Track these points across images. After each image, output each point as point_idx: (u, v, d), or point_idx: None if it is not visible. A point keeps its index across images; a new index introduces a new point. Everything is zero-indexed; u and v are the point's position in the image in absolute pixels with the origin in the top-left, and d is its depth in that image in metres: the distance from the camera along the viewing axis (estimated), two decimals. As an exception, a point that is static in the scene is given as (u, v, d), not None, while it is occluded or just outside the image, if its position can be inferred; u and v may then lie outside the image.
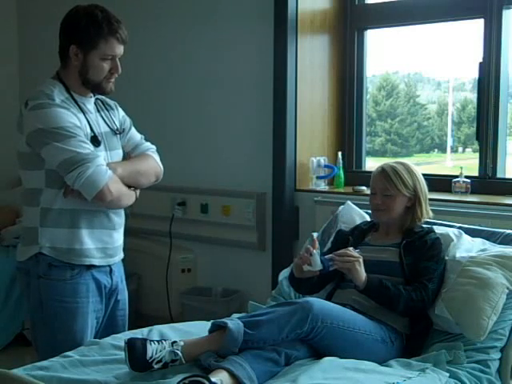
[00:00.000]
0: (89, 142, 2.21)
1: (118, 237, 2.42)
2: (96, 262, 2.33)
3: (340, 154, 3.72)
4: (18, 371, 1.94)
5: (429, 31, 3.69)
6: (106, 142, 2.35)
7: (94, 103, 2.38)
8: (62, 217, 2.26)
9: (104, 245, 2.34)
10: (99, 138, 2.29)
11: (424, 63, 3.88)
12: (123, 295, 2.49)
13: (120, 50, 2.28)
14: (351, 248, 2.38)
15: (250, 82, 3.84)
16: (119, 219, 2.40)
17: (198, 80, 4.05)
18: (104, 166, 2.19)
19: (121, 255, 2.45)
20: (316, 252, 2.34)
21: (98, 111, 2.39)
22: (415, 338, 2.38)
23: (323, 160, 3.73)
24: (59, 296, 2.27)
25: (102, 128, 2.35)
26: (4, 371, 1.85)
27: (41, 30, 4.79)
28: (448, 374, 2.10)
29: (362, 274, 2.31)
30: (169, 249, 3.98)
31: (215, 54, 3.96)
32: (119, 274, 2.46)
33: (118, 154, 2.43)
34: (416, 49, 3.78)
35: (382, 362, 2.19)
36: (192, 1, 4.07)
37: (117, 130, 2.41)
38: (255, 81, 3.80)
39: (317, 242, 2.39)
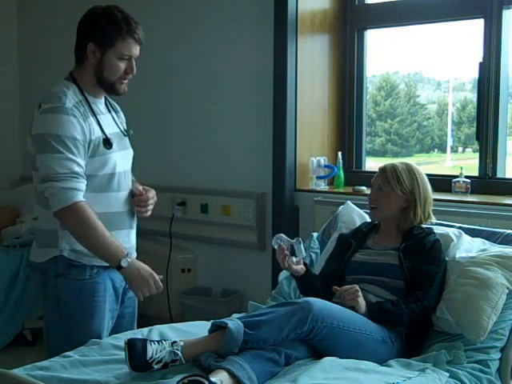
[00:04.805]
0: (78, 157, 2.18)
1: (133, 236, 2.44)
2: None
3: (340, 154, 3.72)
4: (18, 371, 1.93)
5: (429, 31, 3.69)
6: (119, 143, 2.37)
7: (105, 104, 2.40)
8: None
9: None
10: (111, 140, 2.31)
11: (424, 63, 3.88)
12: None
13: (136, 50, 2.30)
14: (348, 286, 2.33)
15: (251, 81, 3.84)
16: (133, 218, 2.43)
17: (198, 80, 4.05)
18: (73, 190, 2.15)
19: (134, 255, 2.46)
20: (296, 241, 2.42)
21: (109, 112, 2.41)
22: (415, 338, 2.38)
23: (323, 160, 3.73)
24: (77, 295, 2.28)
25: (112, 129, 2.37)
26: (4, 371, 1.85)
27: (41, 30, 4.80)
28: (448, 374, 2.10)
29: (364, 304, 2.29)
30: (169, 249, 3.98)
31: (215, 55, 3.96)
32: None
33: (130, 153, 2.45)
34: (416, 49, 3.78)
35: (382, 362, 2.19)
36: (192, 1, 4.07)
37: (125, 131, 2.45)
38: (255, 80, 3.80)
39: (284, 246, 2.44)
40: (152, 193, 2.44)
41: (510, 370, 2.30)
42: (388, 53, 3.90)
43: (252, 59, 3.82)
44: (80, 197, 2.16)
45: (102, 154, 2.27)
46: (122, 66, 2.28)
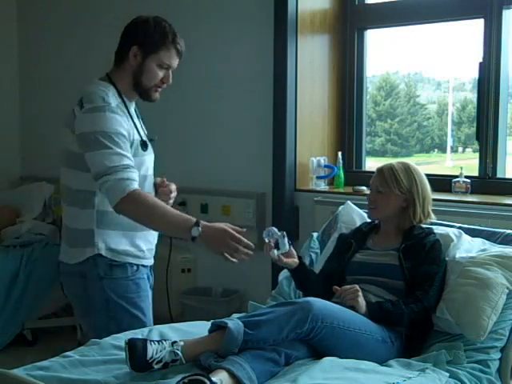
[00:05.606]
0: (126, 151, 2.20)
1: (156, 236, 2.48)
2: (147, 262, 2.42)
3: (340, 154, 3.72)
4: (18, 371, 1.93)
5: (429, 31, 3.70)
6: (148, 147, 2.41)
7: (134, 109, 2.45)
8: (118, 219, 2.26)
9: (150, 246, 2.42)
10: (147, 143, 2.36)
11: (424, 63, 3.89)
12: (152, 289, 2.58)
13: (176, 62, 2.36)
14: (348, 286, 2.35)
15: (251, 82, 3.84)
16: None
17: (198, 80, 4.05)
18: (127, 180, 2.14)
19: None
20: (281, 235, 2.45)
21: (138, 117, 2.45)
22: (415, 338, 2.38)
23: (323, 160, 3.73)
24: (126, 293, 2.33)
25: (143, 133, 2.41)
26: (4, 371, 1.85)
27: (41, 30, 4.80)
28: (448, 374, 2.09)
29: (364, 303, 2.30)
30: (169, 249, 3.97)
31: (215, 55, 3.96)
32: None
33: (153, 157, 2.48)
34: (416, 49, 3.78)
35: (382, 362, 2.19)
36: (192, 1, 4.07)
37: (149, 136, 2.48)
38: (255, 81, 3.81)
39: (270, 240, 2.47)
40: (174, 186, 2.47)
41: (510, 370, 2.30)
42: (388, 53, 3.90)
43: (252, 59, 3.82)
44: (135, 185, 2.16)
45: (140, 155, 2.32)
46: (160, 73, 2.33)
